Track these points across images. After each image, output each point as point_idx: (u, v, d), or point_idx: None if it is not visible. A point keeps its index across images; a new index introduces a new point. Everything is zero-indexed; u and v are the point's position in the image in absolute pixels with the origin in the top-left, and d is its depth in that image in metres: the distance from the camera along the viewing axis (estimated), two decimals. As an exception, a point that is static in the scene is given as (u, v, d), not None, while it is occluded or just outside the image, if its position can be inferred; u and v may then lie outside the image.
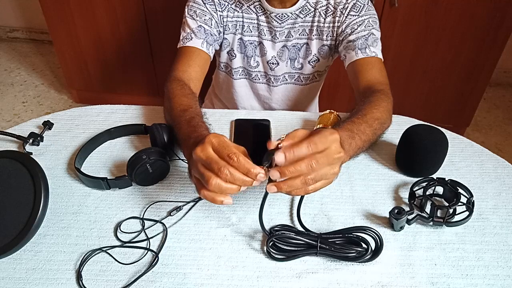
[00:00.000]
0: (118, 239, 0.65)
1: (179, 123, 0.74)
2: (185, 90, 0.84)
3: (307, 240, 0.62)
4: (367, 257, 0.61)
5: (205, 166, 0.55)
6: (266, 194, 0.60)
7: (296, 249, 0.63)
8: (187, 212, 0.69)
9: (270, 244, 0.62)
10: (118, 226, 0.67)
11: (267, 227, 0.65)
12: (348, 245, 0.62)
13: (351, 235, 0.63)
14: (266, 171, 0.55)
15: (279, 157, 0.53)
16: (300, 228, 0.66)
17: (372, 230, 0.61)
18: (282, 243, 0.63)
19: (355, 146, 0.67)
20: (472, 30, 1.66)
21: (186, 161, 0.76)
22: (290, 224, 0.67)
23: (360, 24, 0.92)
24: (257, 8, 0.96)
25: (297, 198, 0.71)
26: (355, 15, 0.92)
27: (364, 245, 0.62)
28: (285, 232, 0.64)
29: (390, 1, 1.60)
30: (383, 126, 0.77)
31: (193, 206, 0.70)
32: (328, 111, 0.86)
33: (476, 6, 1.59)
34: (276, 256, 0.62)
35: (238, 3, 0.96)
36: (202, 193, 0.56)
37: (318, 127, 0.83)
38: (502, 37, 1.66)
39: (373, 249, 0.62)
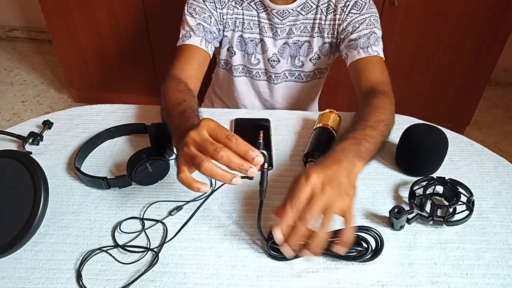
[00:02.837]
0: (117, 239, 0.65)
1: (172, 115, 0.73)
2: (180, 86, 0.83)
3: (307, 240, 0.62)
4: (367, 257, 0.61)
5: (199, 148, 0.55)
6: (261, 202, 0.60)
7: None
8: (192, 215, 0.69)
9: (269, 244, 0.62)
10: (118, 225, 0.67)
11: (267, 228, 0.65)
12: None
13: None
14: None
15: (277, 236, 0.57)
16: None
17: (373, 230, 0.61)
18: None
19: (364, 150, 0.67)
20: (472, 30, 1.66)
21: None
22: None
23: (361, 23, 0.92)
24: (258, 5, 0.96)
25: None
26: (357, 13, 0.92)
27: (364, 245, 0.62)
28: None
29: (390, 0, 1.60)
30: (388, 127, 0.77)
31: (197, 209, 0.70)
32: (328, 110, 0.86)
33: (476, 6, 1.59)
34: (276, 255, 0.62)
35: (238, 0, 0.96)
36: (180, 177, 0.56)
37: (317, 126, 0.83)
38: (502, 36, 1.66)
39: (373, 248, 0.62)
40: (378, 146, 0.72)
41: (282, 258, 0.62)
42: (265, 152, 0.56)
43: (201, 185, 0.56)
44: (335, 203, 0.56)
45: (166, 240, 0.65)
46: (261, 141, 0.57)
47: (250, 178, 0.56)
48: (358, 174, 0.64)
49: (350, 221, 0.57)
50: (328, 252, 0.61)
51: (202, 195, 0.71)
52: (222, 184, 0.59)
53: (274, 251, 0.62)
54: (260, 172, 0.58)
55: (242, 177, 0.55)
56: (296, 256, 0.61)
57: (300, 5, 0.95)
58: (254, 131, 0.86)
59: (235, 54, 1.04)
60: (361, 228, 0.62)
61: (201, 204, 0.69)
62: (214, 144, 0.53)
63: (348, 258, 0.62)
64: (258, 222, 0.62)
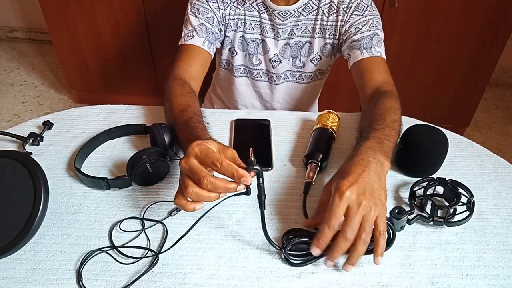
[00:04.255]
0: (117, 239, 0.65)
1: (178, 124, 0.75)
2: (184, 89, 0.84)
3: None
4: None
5: (189, 175, 0.57)
6: (263, 214, 0.60)
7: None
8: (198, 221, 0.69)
9: (287, 252, 0.61)
10: (118, 224, 0.67)
11: (277, 235, 0.65)
12: None
13: None
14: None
15: (315, 252, 0.59)
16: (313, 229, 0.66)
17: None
18: (298, 247, 0.62)
19: (388, 149, 0.67)
20: (472, 30, 1.66)
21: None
22: (301, 227, 0.67)
23: (364, 24, 0.92)
24: (260, 5, 0.96)
25: (301, 200, 0.71)
26: (359, 15, 0.93)
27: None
28: (298, 238, 0.62)
29: (390, 1, 1.60)
30: (401, 126, 0.77)
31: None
32: (326, 111, 0.86)
33: (476, 6, 1.59)
34: (295, 262, 0.61)
35: (240, 0, 0.96)
36: (174, 202, 0.58)
37: (317, 127, 0.83)
38: (502, 37, 1.66)
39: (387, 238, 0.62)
40: (395, 145, 0.72)
41: (300, 264, 0.61)
42: (258, 168, 0.57)
43: (195, 205, 0.58)
44: (371, 213, 0.57)
45: (167, 242, 0.65)
46: (253, 159, 0.57)
47: (247, 193, 0.57)
48: (387, 174, 0.64)
49: (381, 230, 0.58)
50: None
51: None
52: (225, 198, 0.61)
53: (291, 257, 0.61)
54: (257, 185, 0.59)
55: (239, 194, 0.57)
56: (310, 260, 0.62)
57: (302, 6, 0.95)
58: (254, 132, 0.87)
59: (236, 54, 1.04)
60: None
61: (207, 211, 0.68)
62: (199, 174, 0.55)
63: (365, 252, 0.61)
64: (265, 232, 0.61)
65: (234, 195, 0.59)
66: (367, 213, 0.57)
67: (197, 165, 0.56)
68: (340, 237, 0.58)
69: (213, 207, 0.65)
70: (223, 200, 0.61)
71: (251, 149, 0.58)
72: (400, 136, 0.75)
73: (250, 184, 0.57)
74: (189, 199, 0.57)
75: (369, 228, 0.57)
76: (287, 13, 0.95)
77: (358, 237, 0.57)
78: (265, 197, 0.59)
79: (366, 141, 0.67)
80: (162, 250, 0.63)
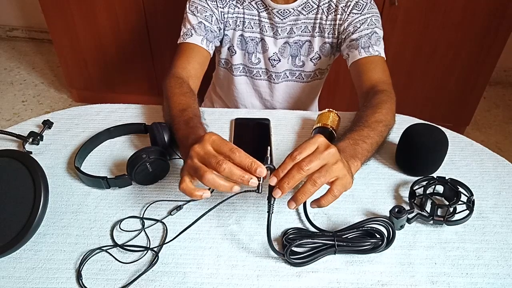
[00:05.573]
0: (116, 238, 0.65)
1: (177, 123, 0.75)
2: (183, 88, 0.84)
3: (323, 241, 0.62)
4: (382, 247, 0.62)
5: (202, 161, 0.56)
6: (269, 217, 0.59)
7: (314, 251, 0.62)
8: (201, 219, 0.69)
9: (288, 253, 0.61)
10: (118, 223, 0.67)
11: (277, 235, 0.65)
12: (363, 238, 0.62)
13: (364, 228, 0.63)
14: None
15: (272, 181, 0.56)
16: (312, 228, 0.67)
17: (384, 220, 0.62)
18: (298, 247, 0.63)
19: (361, 150, 0.68)
20: (472, 30, 1.66)
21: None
22: (301, 227, 0.67)
23: (363, 23, 0.92)
24: (259, 4, 0.96)
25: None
26: (358, 14, 0.92)
27: (378, 236, 0.62)
28: (299, 237, 0.63)
29: (390, 0, 1.60)
30: (388, 127, 0.78)
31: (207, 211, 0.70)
32: (327, 110, 0.86)
33: (476, 6, 1.59)
34: (296, 261, 0.61)
35: None
36: (181, 187, 0.58)
37: (317, 126, 0.83)
38: (502, 36, 1.66)
39: (386, 237, 0.62)
40: (376, 146, 0.73)
41: (300, 263, 0.61)
42: (272, 166, 0.57)
43: (203, 192, 0.57)
44: (335, 166, 0.56)
45: (167, 240, 0.65)
46: (269, 156, 0.58)
47: (258, 191, 0.56)
48: (355, 173, 0.65)
49: (335, 191, 0.57)
50: (346, 249, 0.62)
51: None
52: (229, 197, 0.61)
53: (293, 258, 0.61)
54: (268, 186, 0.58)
55: (251, 191, 0.56)
56: (312, 260, 0.61)
57: (301, 5, 0.95)
58: (254, 131, 0.87)
59: (235, 53, 1.04)
60: (372, 220, 0.63)
61: (210, 209, 0.68)
62: (217, 157, 0.55)
63: (365, 251, 0.62)
64: (269, 238, 0.60)
65: (245, 191, 0.59)
66: (330, 162, 0.56)
67: (213, 151, 0.56)
68: (295, 165, 0.55)
69: (217, 204, 0.65)
70: (231, 197, 0.60)
71: (269, 147, 0.58)
72: (385, 137, 0.76)
73: (264, 179, 0.56)
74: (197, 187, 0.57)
75: (325, 174, 0.55)
76: (286, 12, 0.95)
77: (310, 175, 0.55)
78: (274, 200, 0.58)
79: (340, 141, 0.69)
80: (162, 248, 0.63)
